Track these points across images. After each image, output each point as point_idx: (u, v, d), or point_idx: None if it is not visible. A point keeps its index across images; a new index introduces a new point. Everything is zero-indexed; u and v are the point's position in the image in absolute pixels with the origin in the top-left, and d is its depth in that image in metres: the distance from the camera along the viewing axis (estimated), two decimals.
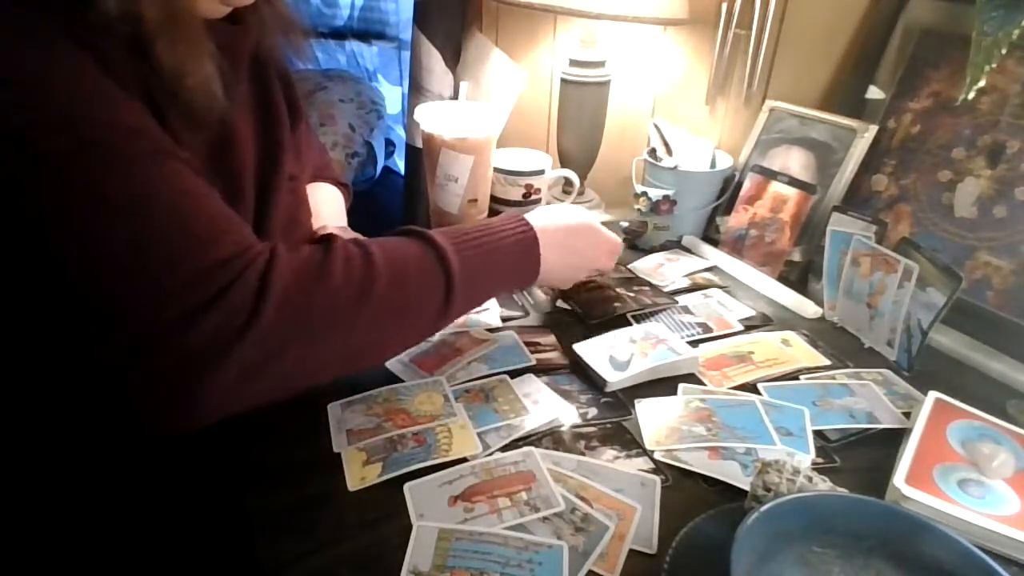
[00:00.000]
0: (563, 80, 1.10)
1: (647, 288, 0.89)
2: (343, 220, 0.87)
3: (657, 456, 0.61)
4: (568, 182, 1.12)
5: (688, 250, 1.04)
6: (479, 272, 0.61)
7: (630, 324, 0.81)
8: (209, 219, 0.48)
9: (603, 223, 0.78)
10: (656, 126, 1.08)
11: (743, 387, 0.71)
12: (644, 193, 1.02)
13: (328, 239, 0.54)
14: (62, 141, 0.43)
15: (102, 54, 0.47)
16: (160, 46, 0.49)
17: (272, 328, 0.46)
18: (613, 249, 0.77)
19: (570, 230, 0.70)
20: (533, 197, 1.05)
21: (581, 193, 1.15)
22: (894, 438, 0.63)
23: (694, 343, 0.78)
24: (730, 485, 0.58)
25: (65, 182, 0.43)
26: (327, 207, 0.85)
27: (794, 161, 0.98)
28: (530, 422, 0.63)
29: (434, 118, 0.94)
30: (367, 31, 2.04)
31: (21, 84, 0.43)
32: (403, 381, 0.69)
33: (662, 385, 0.71)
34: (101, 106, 0.45)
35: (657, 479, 0.58)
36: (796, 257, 0.94)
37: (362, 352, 0.54)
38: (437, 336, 0.75)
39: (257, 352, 0.46)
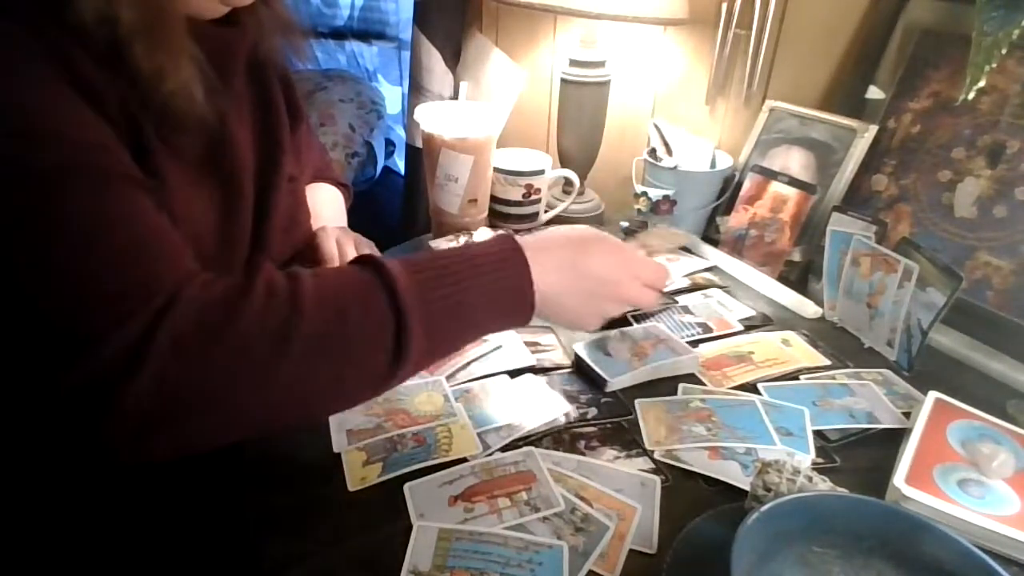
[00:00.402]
0: (563, 80, 1.09)
1: None
2: (343, 221, 0.87)
3: (657, 456, 0.61)
4: (568, 182, 1.11)
5: (688, 250, 1.04)
6: (443, 303, 0.49)
7: (630, 324, 0.81)
8: (117, 251, 0.43)
9: (645, 248, 0.65)
10: (656, 126, 1.08)
11: (743, 387, 0.71)
12: (644, 193, 1.02)
13: (255, 268, 0.47)
14: None
15: (70, 60, 0.45)
16: (137, 49, 0.48)
17: (162, 379, 0.41)
18: (650, 276, 0.60)
19: (577, 246, 0.56)
20: (533, 197, 1.05)
21: (581, 193, 1.14)
22: (894, 438, 0.63)
23: (694, 343, 0.78)
24: (730, 485, 0.58)
25: None
26: (327, 208, 0.85)
27: (794, 161, 0.98)
28: (530, 422, 0.63)
29: (434, 118, 0.94)
30: (367, 31, 2.04)
31: None
32: None
33: (662, 385, 0.71)
34: (42, 124, 0.43)
35: (657, 479, 0.58)
36: (796, 257, 0.94)
37: (291, 404, 0.46)
38: None
39: (146, 404, 0.41)
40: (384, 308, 0.46)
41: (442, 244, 0.97)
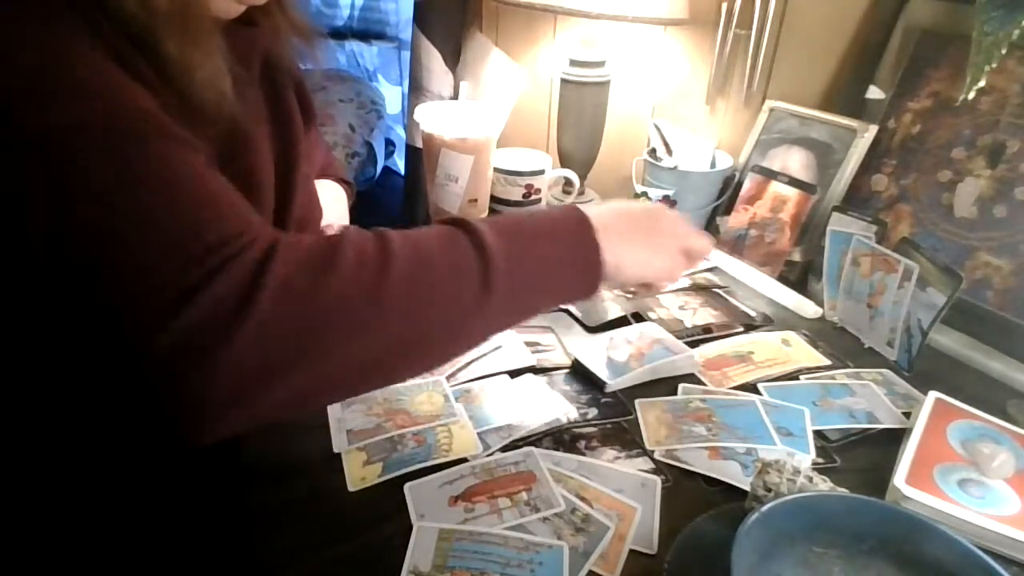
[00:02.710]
0: (563, 80, 1.09)
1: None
2: (346, 219, 0.87)
3: (657, 456, 0.61)
4: (568, 182, 1.12)
5: None
6: (522, 246, 0.51)
7: (630, 324, 0.81)
8: (202, 203, 0.43)
9: None
10: (656, 126, 1.08)
11: (743, 387, 0.71)
12: (644, 193, 1.02)
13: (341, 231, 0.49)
14: (51, 117, 0.41)
15: (110, 41, 0.46)
16: (169, 39, 0.48)
17: (270, 324, 0.40)
18: (691, 238, 0.61)
19: (631, 213, 0.59)
20: (533, 197, 1.05)
21: (581, 193, 1.15)
22: (894, 438, 0.63)
23: (694, 343, 0.78)
24: (730, 485, 0.58)
25: (51, 159, 0.41)
26: (331, 206, 0.85)
27: (794, 161, 0.98)
28: (530, 422, 0.63)
29: (434, 118, 0.94)
30: (367, 31, 2.04)
31: (7, 58, 0.42)
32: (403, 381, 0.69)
33: (662, 385, 0.71)
34: (96, 84, 0.44)
35: (657, 479, 0.58)
36: (796, 257, 0.94)
37: (387, 353, 0.46)
38: None
39: (253, 353, 0.40)
40: (467, 244, 0.49)
41: None
